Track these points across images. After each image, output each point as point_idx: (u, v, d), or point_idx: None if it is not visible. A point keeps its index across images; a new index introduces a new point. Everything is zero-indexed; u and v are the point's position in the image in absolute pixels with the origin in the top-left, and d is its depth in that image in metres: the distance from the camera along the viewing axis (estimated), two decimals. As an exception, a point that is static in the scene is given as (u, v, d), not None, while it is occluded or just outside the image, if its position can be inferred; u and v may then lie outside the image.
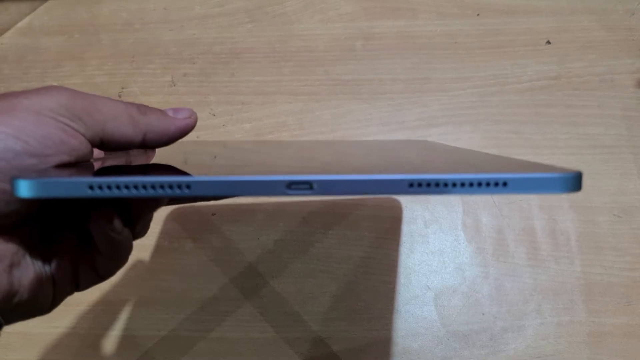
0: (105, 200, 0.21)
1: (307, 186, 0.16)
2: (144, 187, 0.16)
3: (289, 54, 0.46)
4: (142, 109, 0.21)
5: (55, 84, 0.47)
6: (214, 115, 0.44)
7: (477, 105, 0.43)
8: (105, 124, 0.19)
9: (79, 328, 0.38)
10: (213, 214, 0.41)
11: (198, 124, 0.44)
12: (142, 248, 0.40)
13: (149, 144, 0.21)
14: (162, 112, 0.22)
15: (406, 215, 0.40)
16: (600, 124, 0.42)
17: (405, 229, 0.39)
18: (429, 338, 0.36)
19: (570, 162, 0.40)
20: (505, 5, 0.47)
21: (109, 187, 0.16)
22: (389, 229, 0.40)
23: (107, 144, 0.20)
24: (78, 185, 0.16)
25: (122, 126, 0.20)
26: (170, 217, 0.41)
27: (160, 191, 0.16)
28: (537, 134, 0.42)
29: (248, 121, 0.44)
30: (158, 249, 0.40)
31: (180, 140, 0.23)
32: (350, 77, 0.45)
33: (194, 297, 0.38)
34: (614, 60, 0.44)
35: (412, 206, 0.40)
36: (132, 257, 0.40)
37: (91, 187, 0.16)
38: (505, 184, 0.16)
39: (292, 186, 0.16)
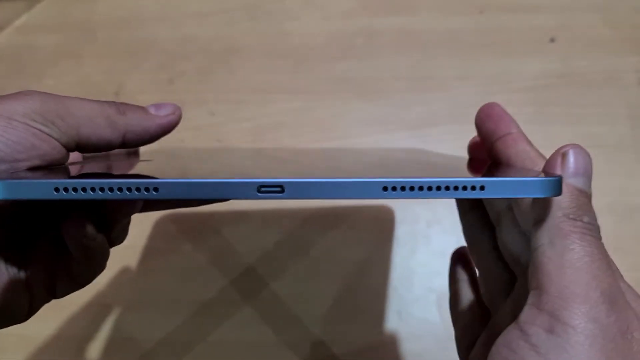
0: (77, 205, 0.20)
1: (278, 189, 0.15)
2: (111, 189, 0.15)
3: (288, 52, 0.46)
4: (122, 108, 0.20)
5: (51, 82, 0.47)
6: (213, 114, 0.44)
7: (480, 104, 0.42)
8: (79, 127, 0.19)
9: (75, 331, 0.38)
10: (211, 215, 0.40)
11: (196, 122, 0.44)
12: (139, 250, 0.39)
13: (131, 144, 0.21)
14: (144, 110, 0.21)
15: (408, 216, 0.39)
16: (604, 122, 0.41)
17: (407, 229, 0.39)
18: (431, 341, 0.36)
19: (574, 162, 0.40)
20: (509, 3, 0.46)
21: (75, 190, 0.15)
22: (390, 230, 0.39)
23: (84, 147, 0.20)
24: (43, 187, 0.15)
25: (99, 129, 0.19)
26: (168, 219, 0.40)
27: (127, 194, 0.15)
28: (540, 132, 0.41)
29: (247, 120, 0.44)
30: (156, 251, 0.39)
31: (166, 149, 0.22)
32: (350, 75, 0.45)
33: (192, 300, 0.38)
34: (619, 58, 0.44)
35: (414, 207, 0.40)
36: (129, 259, 0.39)
37: (57, 190, 0.15)
38: (482, 187, 0.16)
39: (263, 189, 0.15)
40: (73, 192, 0.15)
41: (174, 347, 0.37)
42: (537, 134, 0.41)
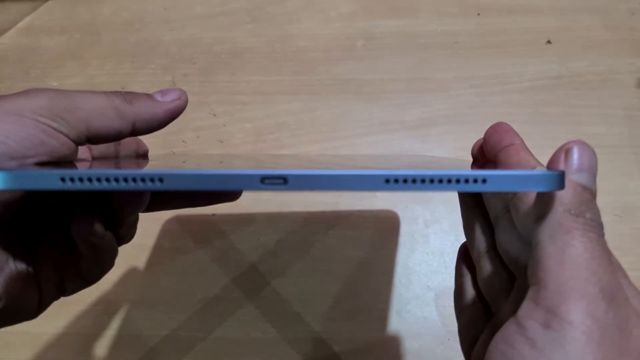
0: (85, 202, 0.20)
1: (281, 181, 0.15)
2: (116, 179, 0.15)
3: (289, 54, 0.46)
4: (128, 97, 0.20)
5: (55, 84, 0.47)
6: (215, 115, 0.44)
7: (478, 105, 0.43)
8: (88, 121, 0.19)
9: (80, 328, 0.38)
10: (213, 214, 0.41)
11: (198, 124, 0.45)
12: (144, 248, 0.40)
13: (140, 132, 0.21)
14: (150, 97, 0.21)
15: (407, 215, 0.40)
16: (601, 123, 0.42)
17: (406, 229, 0.39)
18: (430, 338, 0.36)
19: (572, 162, 0.40)
20: (506, 5, 0.47)
21: (81, 179, 0.15)
22: (390, 229, 0.40)
23: (94, 140, 0.20)
24: (49, 177, 0.15)
25: (108, 120, 0.20)
26: (172, 218, 0.41)
27: (132, 184, 0.15)
28: (538, 133, 0.42)
29: (248, 121, 0.44)
30: (159, 249, 0.40)
31: (168, 154, 0.22)
32: (350, 77, 0.45)
33: (195, 297, 0.38)
34: (615, 60, 0.44)
35: (412, 206, 0.40)
36: (134, 257, 0.40)
37: (63, 179, 0.15)
38: (484, 180, 0.15)
39: (266, 180, 0.15)
40: (79, 182, 0.15)
41: (178, 344, 0.37)
42: (536, 135, 0.42)
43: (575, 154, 0.17)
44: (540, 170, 0.16)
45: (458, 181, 0.15)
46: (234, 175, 0.16)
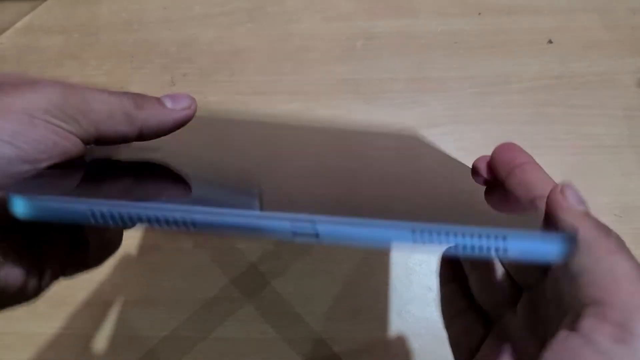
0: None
1: (313, 235, 0.17)
2: (149, 220, 0.16)
3: (289, 54, 0.46)
4: (139, 102, 0.20)
5: (55, 83, 0.47)
6: (214, 115, 0.44)
7: (478, 105, 0.43)
8: (99, 123, 0.19)
9: (79, 328, 0.38)
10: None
11: (198, 123, 0.44)
12: (144, 248, 0.40)
13: (145, 138, 0.21)
14: (160, 104, 0.21)
15: (407, 215, 0.40)
16: (601, 123, 0.42)
17: (406, 229, 0.39)
18: (430, 339, 0.36)
19: (572, 162, 0.40)
20: (506, 5, 0.47)
21: (113, 218, 0.15)
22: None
23: (100, 142, 0.20)
24: (80, 212, 0.15)
25: (117, 124, 0.19)
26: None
27: (165, 226, 0.16)
28: (539, 133, 0.42)
29: (248, 121, 0.44)
30: (159, 249, 0.40)
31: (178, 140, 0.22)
32: (350, 77, 0.45)
33: (195, 297, 0.38)
34: (616, 60, 0.44)
35: (413, 206, 0.40)
36: (133, 257, 0.40)
37: (94, 216, 0.15)
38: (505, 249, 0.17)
39: (297, 236, 0.17)
40: (111, 221, 0.16)
41: (178, 344, 0.37)
42: (536, 135, 0.42)
43: (569, 192, 0.19)
44: (559, 234, 0.17)
45: (481, 249, 0.17)
46: (268, 228, 0.16)
